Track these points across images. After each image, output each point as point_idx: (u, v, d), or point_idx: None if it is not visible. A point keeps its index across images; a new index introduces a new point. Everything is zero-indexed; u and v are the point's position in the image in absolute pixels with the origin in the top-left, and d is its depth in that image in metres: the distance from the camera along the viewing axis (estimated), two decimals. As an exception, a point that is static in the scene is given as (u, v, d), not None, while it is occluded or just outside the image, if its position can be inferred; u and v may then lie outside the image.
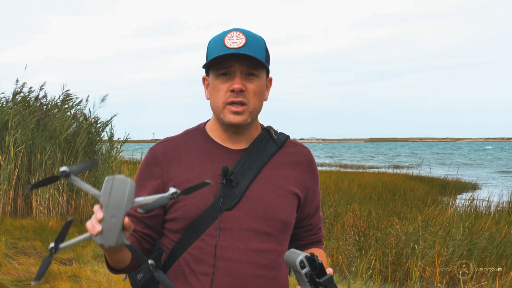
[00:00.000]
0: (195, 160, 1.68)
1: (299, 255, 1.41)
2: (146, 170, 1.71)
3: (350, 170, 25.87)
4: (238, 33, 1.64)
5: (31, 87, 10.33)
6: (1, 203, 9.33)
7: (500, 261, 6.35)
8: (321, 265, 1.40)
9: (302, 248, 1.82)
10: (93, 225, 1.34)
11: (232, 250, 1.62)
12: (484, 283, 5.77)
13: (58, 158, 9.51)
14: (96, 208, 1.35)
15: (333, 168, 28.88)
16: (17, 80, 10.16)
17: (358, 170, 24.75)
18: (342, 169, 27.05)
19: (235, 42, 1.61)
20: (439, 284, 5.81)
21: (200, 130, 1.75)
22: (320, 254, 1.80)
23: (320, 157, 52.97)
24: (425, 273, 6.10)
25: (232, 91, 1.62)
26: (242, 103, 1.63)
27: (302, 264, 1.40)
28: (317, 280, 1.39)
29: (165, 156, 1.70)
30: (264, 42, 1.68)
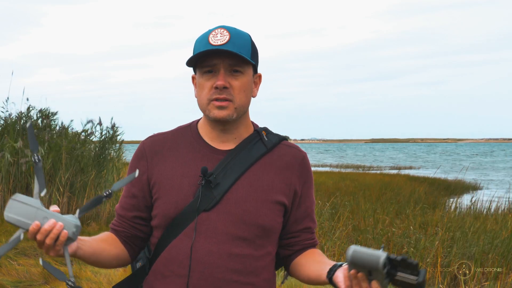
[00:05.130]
0: (180, 158, 1.69)
1: (380, 257, 1.38)
2: (133, 163, 1.73)
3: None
4: (222, 30, 1.64)
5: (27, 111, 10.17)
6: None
7: (501, 262, 6.34)
8: (416, 265, 1.36)
9: (296, 254, 1.75)
10: (54, 233, 1.43)
11: (206, 253, 1.61)
12: (485, 283, 5.77)
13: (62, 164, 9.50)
14: (36, 227, 1.43)
15: (335, 169, 28.80)
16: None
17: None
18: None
19: (218, 39, 1.62)
20: (440, 285, 5.80)
21: (191, 127, 1.76)
22: (318, 252, 1.73)
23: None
24: (426, 273, 6.08)
25: (216, 88, 1.62)
26: (226, 99, 1.63)
27: (385, 264, 1.38)
28: (401, 274, 1.38)
29: (152, 151, 1.72)
30: (250, 38, 1.68)
